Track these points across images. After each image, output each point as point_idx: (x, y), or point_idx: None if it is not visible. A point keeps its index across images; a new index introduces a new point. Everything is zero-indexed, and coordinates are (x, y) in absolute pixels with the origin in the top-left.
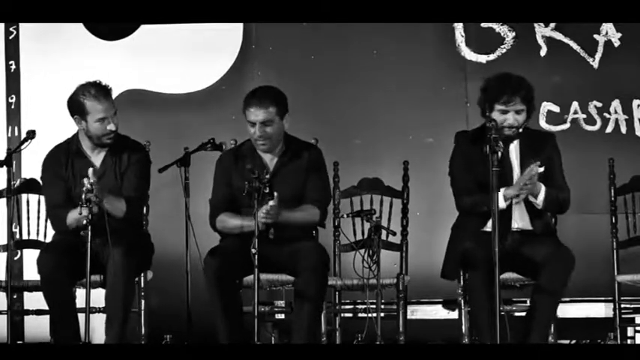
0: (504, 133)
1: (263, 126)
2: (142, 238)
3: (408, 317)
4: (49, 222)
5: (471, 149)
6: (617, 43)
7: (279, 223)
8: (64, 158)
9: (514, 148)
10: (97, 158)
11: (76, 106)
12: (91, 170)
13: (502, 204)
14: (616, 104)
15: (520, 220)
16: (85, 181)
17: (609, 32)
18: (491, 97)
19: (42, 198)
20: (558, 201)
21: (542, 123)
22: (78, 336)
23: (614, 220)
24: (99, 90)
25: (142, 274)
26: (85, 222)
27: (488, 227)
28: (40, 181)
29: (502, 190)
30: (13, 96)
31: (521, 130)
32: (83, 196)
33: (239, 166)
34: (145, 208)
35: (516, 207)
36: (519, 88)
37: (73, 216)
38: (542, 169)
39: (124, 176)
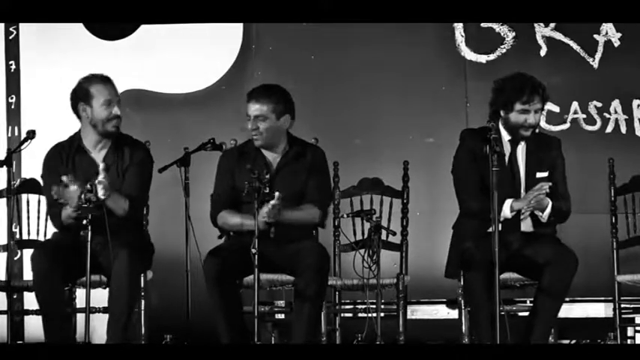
0: (521, 133)
1: (255, 120)
2: (143, 238)
3: (408, 317)
4: (49, 221)
5: (477, 147)
6: (617, 43)
7: (279, 222)
8: (65, 155)
9: (521, 149)
10: (99, 155)
11: (80, 93)
12: (102, 165)
13: (508, 215)
14: (616, 104)
15: (522, 223)
16: (100, 176)
17: (609, 32)
18: (511, 97)
19: (42, 198)
20: (561, 211)
21: (542, 123)
22: (69, 336)
23: (614, 220)
24: (102, 78)
25: (142, 274)
26: (85, 222)
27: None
28: (41, 179)
29: (510, 200)
30: (13, 96)
31: (537, 130)
32: (83, 196)
33: (242, 164)
34: (145, 208)
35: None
36: (537, 87)
37: (67, 212)
38: (546, 174)
39: (125, 174)
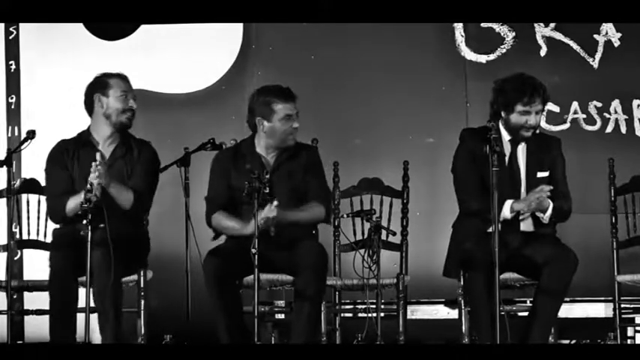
0: (522, 134)
1: (295, 119)
2: (138, 235)
3: (408, 317)
4: (48, 217)
5: (477, 147)
6: (617, 43)
7: (286, 222)
8: (72, 149)
9: (521, 149)
10: (107, 150)
11: (98, 85)
12: (98, 155)
13: (507, 215)
14: (616, 104)
15: (522, 223)
16: (93, 165)
17: (609, 32)
18: (511, 98)
19: (42, 198)
20: (562, 211)
21: (543, 123)
22: (74, 336)
23: (614, 220)
24: (120, 74)
25: (142, 274)
26: (85, 222)
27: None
28: (44, 172)
29: (510, 201)
30: (13, 96)
31: (537, 130)
32: (84, 196)
33: (238, 165)
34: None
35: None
36: (538, 88)
37: (74, 202)
38: (546, 174)
39: (133, 170)
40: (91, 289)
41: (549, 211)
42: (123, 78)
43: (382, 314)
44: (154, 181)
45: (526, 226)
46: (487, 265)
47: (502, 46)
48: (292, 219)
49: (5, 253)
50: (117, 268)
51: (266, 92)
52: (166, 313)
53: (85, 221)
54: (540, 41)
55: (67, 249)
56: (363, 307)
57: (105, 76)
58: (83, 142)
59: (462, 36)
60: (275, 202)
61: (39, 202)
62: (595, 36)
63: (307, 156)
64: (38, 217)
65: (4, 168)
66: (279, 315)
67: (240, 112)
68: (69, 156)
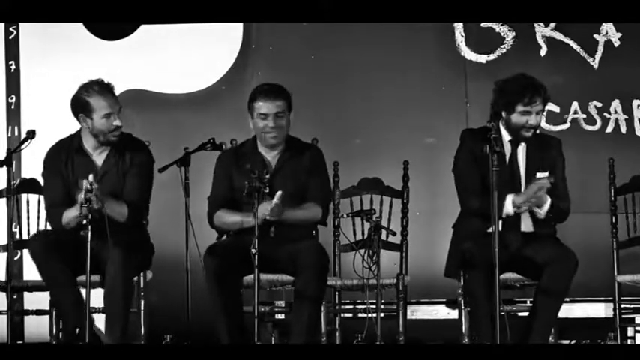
0: (522, 134)
1: (276, 118)
2: (142, 237)
3: (408, 317)
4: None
5: (478, 147)
6: (617, 43)
7: (281, 221)
8: (65, 155)
9: (521, 149)
10: (99, 158)
11: (80, 105)
12: (91, 176)
13: (510, 210)
14: (616, 104)
15: (522, 223)
16: (85, 182)
17: (609, 32)
18: (512, 98)
19: (42, 198)
20: (560, 211)
21: (543, 123)
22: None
23: (614, 220)
24: (103, 87)
25: (142, 274)
26: (84, 222)
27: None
28: (41, 178)
29: (511, 196)
30: (13, 96)
31: (538, 131)
32: (83, 196)
33: (240, 165)
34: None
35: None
36: (539, 88)
37: (68, 215)
38: (546, 174)
39: (126, 177)
40: (86, 289)
41: (546, 207)
42: (105, 93)
43: (382, 314)
44: (147, 186)
45: (526, 226)
46: (487, 265)
47: (502, 46)
48: (288, 217)
49: (5, 253)
50: (130, 267)
51: (253, 91)
52: (166, 313)
53: (84, 221)
54: (540, 41)
55: (49, 239)
56: (363, 307)
57: (86, 93)
58: (75, 148)
59: (462, 36)
60: (279, 193)
61: (39, 202)
62: (595, 36)
63: (310, 156)
64: (38, 217)
65: (4, 168)
66: (279, 315)
67: (240, 112)
68: (63, 163)
